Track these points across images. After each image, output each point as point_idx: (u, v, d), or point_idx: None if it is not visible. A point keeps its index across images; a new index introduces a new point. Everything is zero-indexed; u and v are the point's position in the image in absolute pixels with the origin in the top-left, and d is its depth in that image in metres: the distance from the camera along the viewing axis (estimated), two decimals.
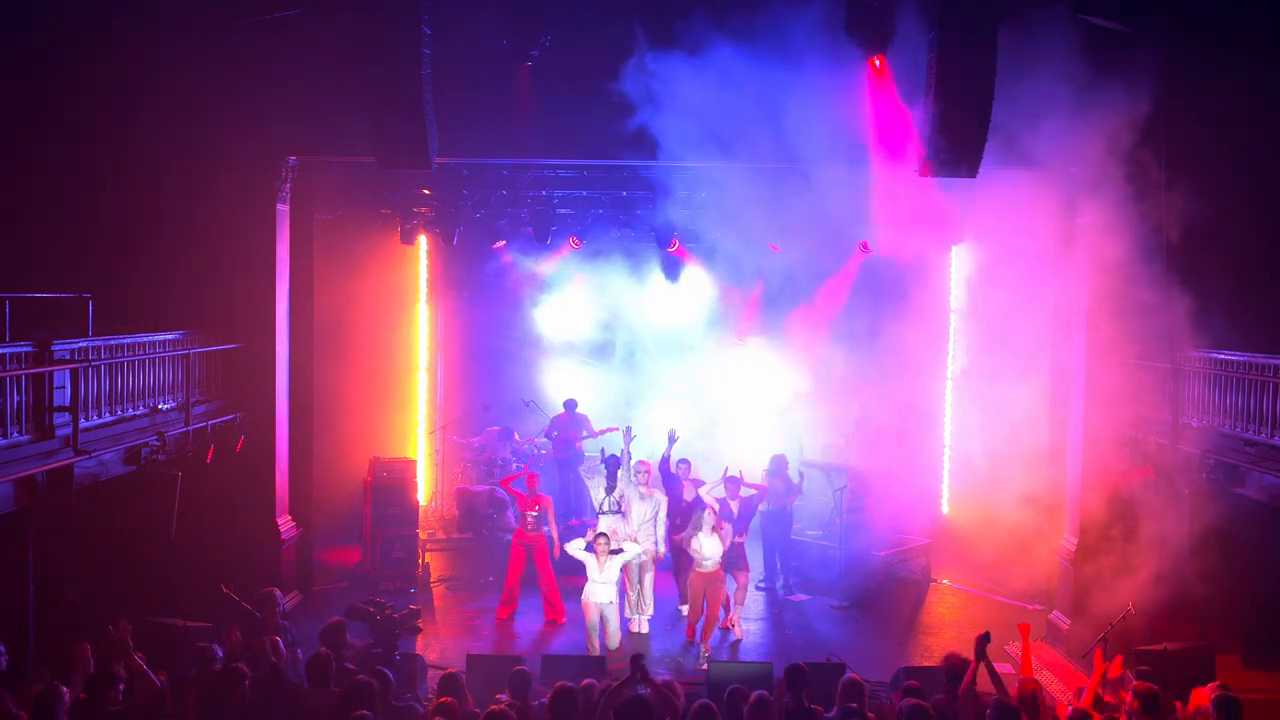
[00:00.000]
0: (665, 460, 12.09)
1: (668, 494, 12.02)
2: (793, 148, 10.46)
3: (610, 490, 11.85)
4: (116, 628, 7.52)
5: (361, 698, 6.58)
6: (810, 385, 15.28)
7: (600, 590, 10.48)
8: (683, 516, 11.73)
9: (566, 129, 11.17)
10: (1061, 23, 10.12)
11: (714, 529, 10.75)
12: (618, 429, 13.00)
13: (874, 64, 10.33)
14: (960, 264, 15.32)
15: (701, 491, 11.68)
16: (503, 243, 15.82)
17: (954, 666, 7.15)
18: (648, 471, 11.63)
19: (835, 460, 14.60)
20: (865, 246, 14.72)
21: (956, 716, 6.88)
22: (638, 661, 6.85)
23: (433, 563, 13.63)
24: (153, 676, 6.70)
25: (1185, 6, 10.04)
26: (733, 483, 11.86)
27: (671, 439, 12.08)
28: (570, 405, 15.37)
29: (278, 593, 9.33)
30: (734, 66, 10.02)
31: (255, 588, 9.51)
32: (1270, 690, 8.87)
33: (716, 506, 11.09)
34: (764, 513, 12.80)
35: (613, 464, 11.90)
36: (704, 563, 10.76)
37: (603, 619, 10.51)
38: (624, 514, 11.60)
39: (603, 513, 11.79)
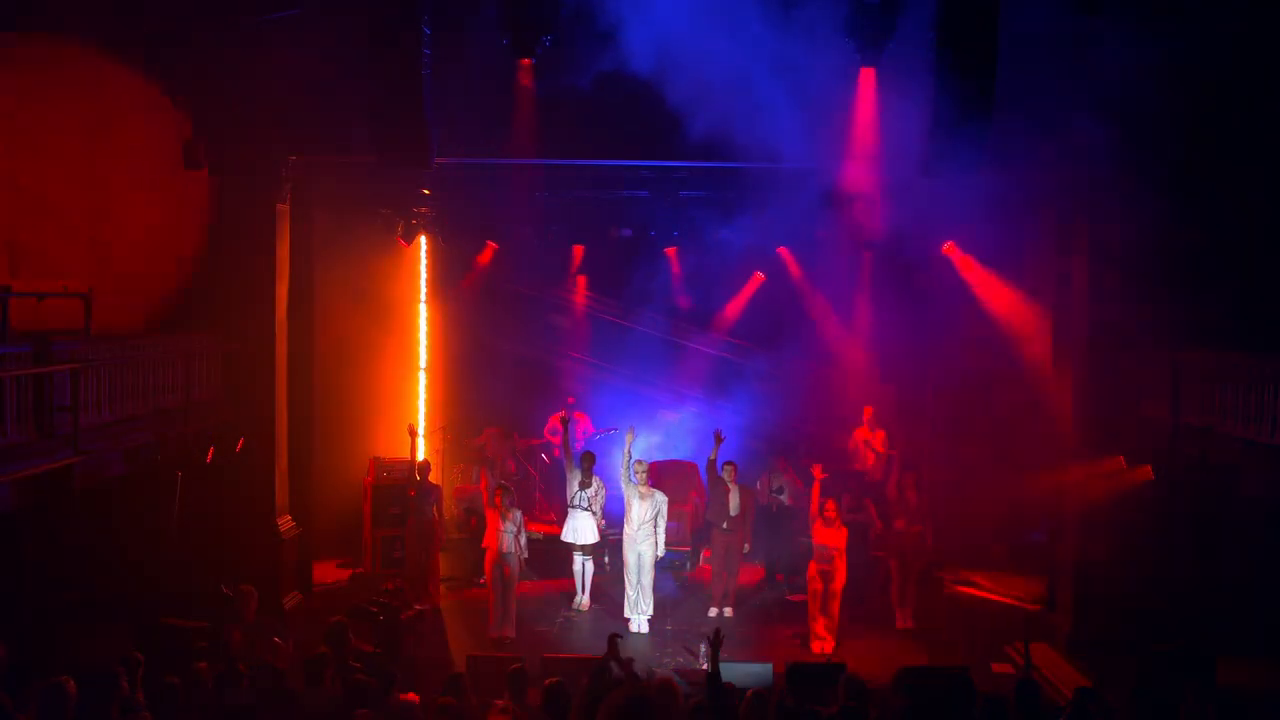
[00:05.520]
0: (711, 462, 11.99)
1: (712, 497, 12.02)
2: (793, 148, 10.47)
3: (584, 485, 11.89)
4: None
5: (361, 697, 6.58)
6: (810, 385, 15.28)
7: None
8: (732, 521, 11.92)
9: (567, 129, 11.17)
10: (1062, 22, 10.12)
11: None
12: (617, 429, 13.02)
13: (873, 64, 10.36)
14: (959, 262, 15.29)
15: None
16: (502, 243, 15.84)
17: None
18: (648, 470, 11.63)
19: (834, 460, 14.58)
20: (865, 245, 14.73)
21: None
22: (613, 642, 6.81)
23: None
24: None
25: (1185, 5, 10.04)
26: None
27: (718, 439, 11.93)
28: (570, 405, 15.38)
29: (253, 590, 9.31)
30: (735, 66, 10.03)
31: (254, 587, 9.51)
32: (1271, 689, 8.86)
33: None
34: (766, 513, 12.82)
35: (588, 460, 11.93)
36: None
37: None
38: (591, 510, 11.89)
39: (574, 507, 11.85)
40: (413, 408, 16.01)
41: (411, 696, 7.14)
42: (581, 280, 16.56)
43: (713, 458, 11.94)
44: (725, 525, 12.02)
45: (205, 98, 10.99)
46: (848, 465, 14.37)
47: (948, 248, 14.80)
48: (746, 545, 12.50)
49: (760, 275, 16.02)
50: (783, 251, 15.23)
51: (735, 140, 10.42)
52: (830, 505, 11.20)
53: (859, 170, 11.21)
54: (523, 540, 11.44)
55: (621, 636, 7.09)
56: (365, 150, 10.25)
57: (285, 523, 11.95)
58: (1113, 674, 9.29)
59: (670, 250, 15.21)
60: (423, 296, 16.29)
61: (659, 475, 13.01)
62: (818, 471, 11.37)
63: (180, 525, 9.78)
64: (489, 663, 8.88)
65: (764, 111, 10.27)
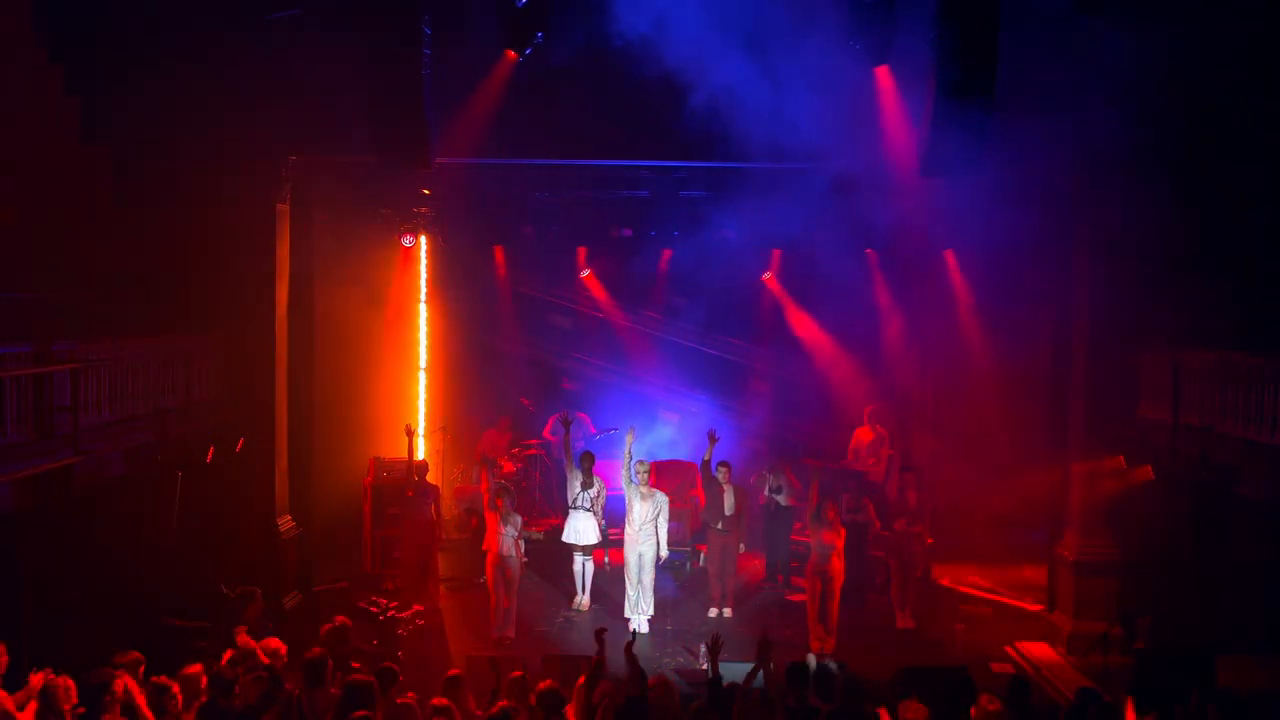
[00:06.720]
0: (705, 463, 11.99)
1: (707, 497, 12.00)
2: (794, 148, 10.47)
3: (586, 486, 11.89)
4: None
5: (361, 698, 6.57)
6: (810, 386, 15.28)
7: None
8: (729, 521, 11.93)
9: (567, 129, 11.17)
10: (1063, 22, 10.12)
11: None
12: (616, 429, 12.94)
13: (877, 64, 10.36)
14: (959, 262, 15.28)
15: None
16: (503, 243, 15.85)
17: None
18: (649, 470, 11.63)
19: (834, 460, 14.59)
20: (867, 244, 14.71)
21: None
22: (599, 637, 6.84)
23: None
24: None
25: (1185, 6, 10.04)
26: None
27: (713, 439, 11.94)
28: (570, 406, 15.36)
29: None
30: (736, 65, 10.03)
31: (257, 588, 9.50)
32: (1271, 689, 8.86)
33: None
34: (766, 513, 12.80)
35: (587, 460, 11.92)
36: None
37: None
38: (593, 510, 11.88)
39: (575, 508, 11.84)
40: (413, 408, 16.03)
41: (410, 696, 7.15)
42: (591, 281, 16.54)
43: (707, 458, 11.95)
44: (720, 525, 12.01)
45: (205, 98, 10.97)
46: (848, 465, 14.35)
47: (949, 251, 14.83)
48: (742, 545, 12.49)
49: (763, 275, 16.02)
50: (784, 251, 15.21)
51: (735, 140, 10.44)
52: (830, 507, 11.19)
53: (861, 168, 11.21)
54: (521, 545, 11.45)
55: (606, 630, 7.07)
56: (365, 150, 10.24)
57: (285, 523, 11.96)
58: (1113, 674, 9.29)
59: (670, 250, 15.18)
60: (423, 296, 16.29)
61: (659, 475, 13.01)
62: None
63: (180, 525, 9.77)
64: (488, 663, 8.87)
65: (766, 110, 10.28)
